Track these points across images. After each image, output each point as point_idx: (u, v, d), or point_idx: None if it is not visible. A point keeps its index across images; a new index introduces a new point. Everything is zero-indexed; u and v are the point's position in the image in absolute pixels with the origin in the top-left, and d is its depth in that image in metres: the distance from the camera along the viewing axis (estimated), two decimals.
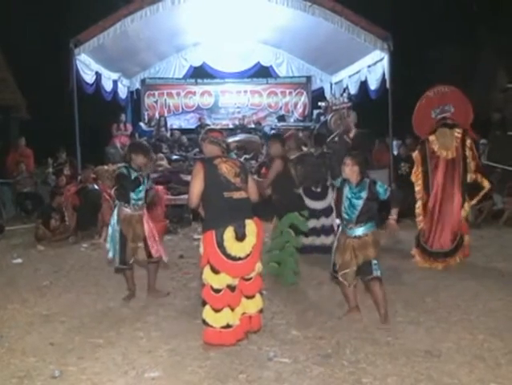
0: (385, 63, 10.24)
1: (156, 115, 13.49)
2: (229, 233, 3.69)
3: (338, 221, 6.85)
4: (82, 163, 10.05)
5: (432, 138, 6.22)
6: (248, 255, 3.75)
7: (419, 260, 6.23)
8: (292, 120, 14.10)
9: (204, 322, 3.79)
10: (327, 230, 6.72)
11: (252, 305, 3.88)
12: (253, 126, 13.62)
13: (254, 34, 13.11)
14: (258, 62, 14.27)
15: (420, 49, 14.92)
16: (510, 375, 3.29)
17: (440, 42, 15.00)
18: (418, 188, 6.31)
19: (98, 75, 11.32)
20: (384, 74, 10.43)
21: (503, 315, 4.39)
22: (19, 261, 6.80)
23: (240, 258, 3.72)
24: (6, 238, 8.44)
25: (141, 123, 13.29)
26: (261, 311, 3.98)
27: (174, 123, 13.90)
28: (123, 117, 12.76)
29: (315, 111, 13.52)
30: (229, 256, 3.69)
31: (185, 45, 13.78)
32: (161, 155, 11.18)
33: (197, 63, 14.16)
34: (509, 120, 12.96)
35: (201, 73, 14.35)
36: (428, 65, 15.37)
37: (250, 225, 3.78)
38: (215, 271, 3.74)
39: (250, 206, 3.94)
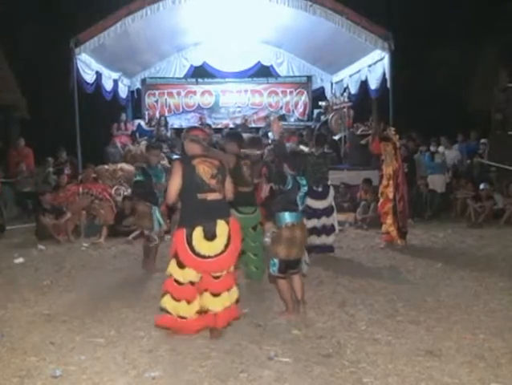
0: (386, 63, 10.25)
1: (157, 115, 13.49)
2: (197, 233, 3.80)
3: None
4: (82, 162, 10.06)
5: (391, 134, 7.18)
6: (218, 254, 3.84)
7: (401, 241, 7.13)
8: (293, 120, 14.13)
9: (163, 309, 3.95)
10: (328, 230, 6.72)
11: (217, 303, 3.87)
12: (253, 125, 13.66)
13: (255, 33, 13.12)
14: (259, 62, 14.28)
15: (421, 49, 14.92)
16: (511, 375, 3.29)
17: (441, 42, 14.99)
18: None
19: (98, 75, 11.32)
20: (384, 74, 10.43)
21: (504, 315, 4.39)
22: (20, 260, 6.79)
23: (209, 256, 3.82)
24: (6, 238, 8.45)
25: (141, 122, 13.26)
26: (228, 308, 3.93)
27: (175, 122, 13.92)
28: (123, 117, 12.77)
29: (316, 111, 13.55)
30: (197, 254, 3.81)
31: (186, 44, 13.79)
32: (162, 154, 11.17)
33: (198, 63, 14.18)
34: (510, 120, 12.95)
35: (201, 72, 14.36)
36: (428, 65, 15.36)
37: (222, 226, 3.86)
38: (181, 266, 3.86)
39: (225, 207, 4.03)
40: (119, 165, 10.21)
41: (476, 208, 8.96)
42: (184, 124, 13.97)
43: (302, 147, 9.52)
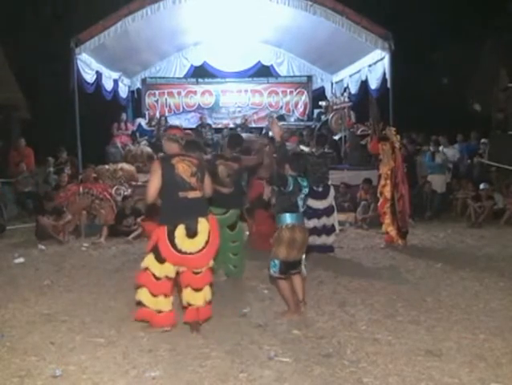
0: (386, 62, 10.24)
1: (157, 115, 13.49)
2: (179, 231, 3.89)
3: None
4: (83, 162, 10.06)
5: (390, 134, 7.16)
6: (199, 250, 3.94)
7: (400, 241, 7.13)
8: (293, 120, 14.12)
9: (139, 303, 4.03)
10: (328, 230, 6.72)
11: (199, 298, 4.03)
12: (253, 125, 13.66)
13: (255, 33, 13.12)
14: (259, 62, 14.28)
15: (421, 49, 14.92)
16: (511, 375, 3.30)
17: (441, 42, 15.00)
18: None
19: (98, 75, 11.32)
20: (384, 74, 10.43)
21: (504, 315, 4.40)
22: (20, 260, 6.78)
23: (190, 253, 3.91)
24: (6, 238, 8.44)
25: (142, 121, 13.23)
26: (209, 303, 4.12)
27: (175, 122, 13.86)
28: (123, 116, 12.76)
29: (316, 111, 13.53)
30: (179, 251, 3.89)
31: (186, 44, 13.79)
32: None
33: (198, 63, 14.18)
34: (511, 120, 12.97)
35: (201, 72, 14.36)
36: (428, 65, 15.37)
37: (203, 223, 3.97)
38: (160, 261, 3.94)
39: (205, 205, 4.15)
40: (120, 165, 10.20)
41: (476, 208, 8.95)
42: (185, 124, 13.93)
43: (302, 147, 9.52)
